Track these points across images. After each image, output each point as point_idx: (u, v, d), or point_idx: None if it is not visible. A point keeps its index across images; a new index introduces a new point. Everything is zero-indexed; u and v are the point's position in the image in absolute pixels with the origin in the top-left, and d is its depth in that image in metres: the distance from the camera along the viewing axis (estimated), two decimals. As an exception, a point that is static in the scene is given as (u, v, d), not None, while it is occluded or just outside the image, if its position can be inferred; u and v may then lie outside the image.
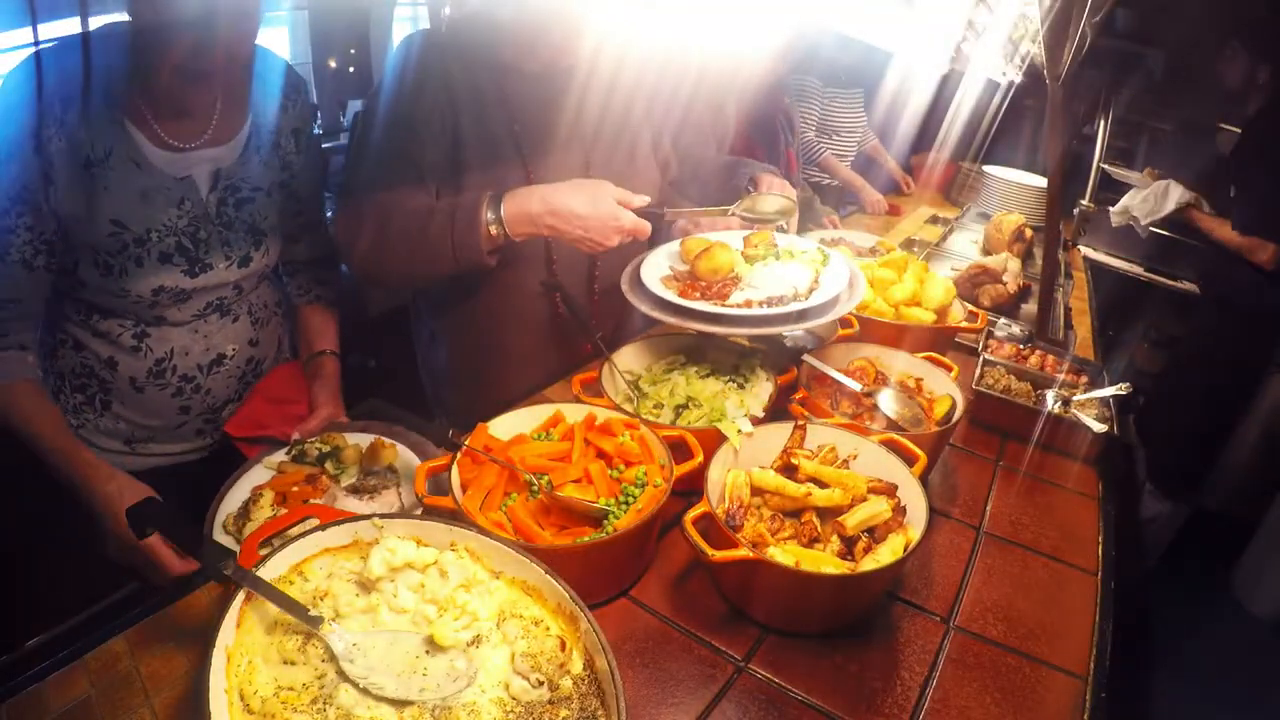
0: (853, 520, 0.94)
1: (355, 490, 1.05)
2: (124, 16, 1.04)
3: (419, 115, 1.22)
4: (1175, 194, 2.74)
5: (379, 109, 1.25)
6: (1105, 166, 2.95)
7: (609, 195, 1.18)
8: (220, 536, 0.96)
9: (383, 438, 1.13)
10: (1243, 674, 2.32)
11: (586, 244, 1.20)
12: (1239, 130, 2.70)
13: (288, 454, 1.12)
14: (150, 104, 1.11)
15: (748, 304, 1.22)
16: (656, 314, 1.21)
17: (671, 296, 1.22)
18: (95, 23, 1.06)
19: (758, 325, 1.19)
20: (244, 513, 0.98)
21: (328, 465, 1.10)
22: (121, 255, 1.12)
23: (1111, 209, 3.00)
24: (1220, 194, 2.67)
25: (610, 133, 1.38)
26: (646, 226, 1.21)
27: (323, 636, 0.70)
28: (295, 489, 1.03)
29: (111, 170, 1.09)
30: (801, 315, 1.19)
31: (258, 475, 1.08)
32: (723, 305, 1.21)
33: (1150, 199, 2.79)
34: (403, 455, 1.12)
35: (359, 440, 1.14)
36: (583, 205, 1.16)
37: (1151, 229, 2.88)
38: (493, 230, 1.17)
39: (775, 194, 1.43)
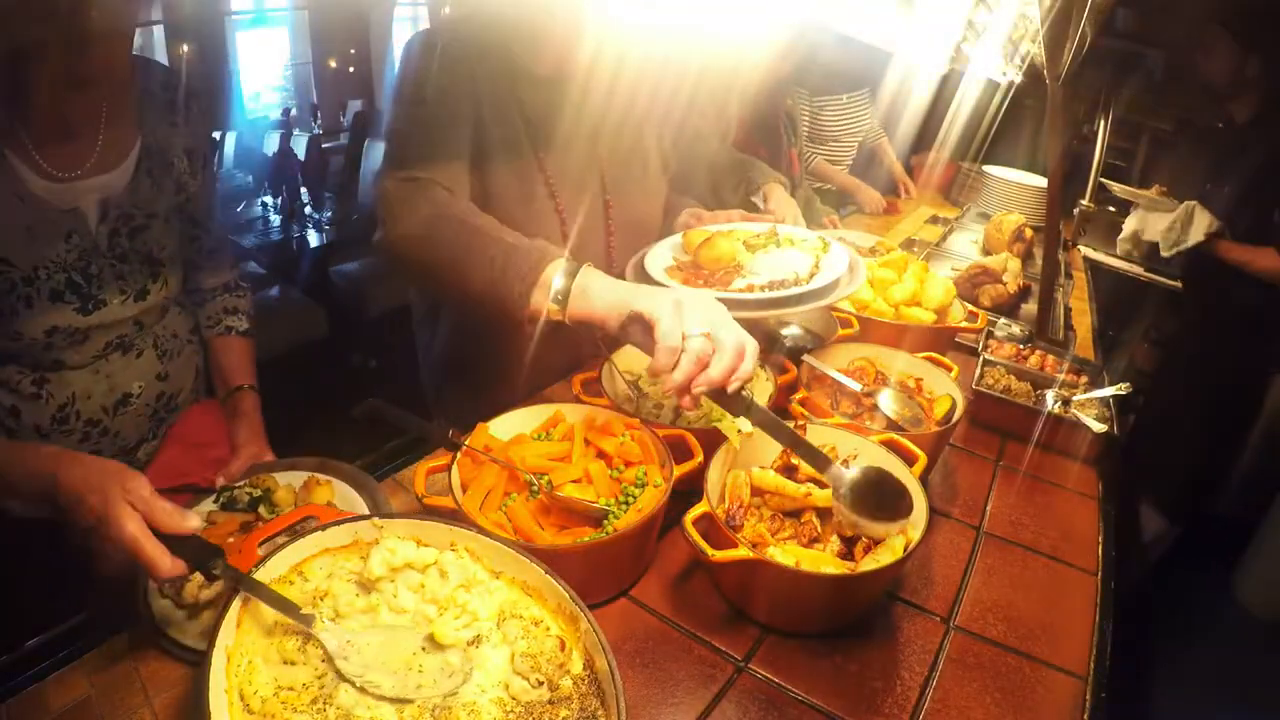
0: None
1: (295, 534, 0.94)
2: None
3: (453, 96, 1.20)
4: (1202, 222, 2.46)
5: (405, 110, 1.20)
6: (1104, 181, 2.77)
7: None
8: (156, 600, 0.86)
9: (316, 475, 1.06)
10: (1243, 674, 2.32)
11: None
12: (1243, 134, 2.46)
13: (216, 502, 1.04)
14: (29, 131, 1.04)
15: (750, 288, 1.22)
16: None
17: (675, 284, 1.22)
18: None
19: (761, 308, 1.19)
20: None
21: (261, 510, 1.01)
22: (10, 295, 1.06)
23: (1119, 235, 2.82)
24: (1219, 197, 2.60)
25: (621, 133, 1.39)
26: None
27: (316, 635, 0.70)
28: (230, 540, 0.94)
29: None
30: (802, 298, 1.19)
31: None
32: (726, 290, 1.22)
33: (1175, 228, 2.52)
34: (339, 491, 1.05)
35: (291, 480, 1.06)
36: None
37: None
38: (552, 308, 0.99)
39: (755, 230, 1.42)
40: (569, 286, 0.99)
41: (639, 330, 0.95)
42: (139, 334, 1.23)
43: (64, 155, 1.08)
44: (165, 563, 0.73)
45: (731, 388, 0.92)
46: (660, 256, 1.35)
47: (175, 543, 0.73)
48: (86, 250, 1.12)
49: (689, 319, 0.91)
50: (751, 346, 0.93)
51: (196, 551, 0.73)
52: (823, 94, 3.08)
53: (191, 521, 0.76)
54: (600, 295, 0.98)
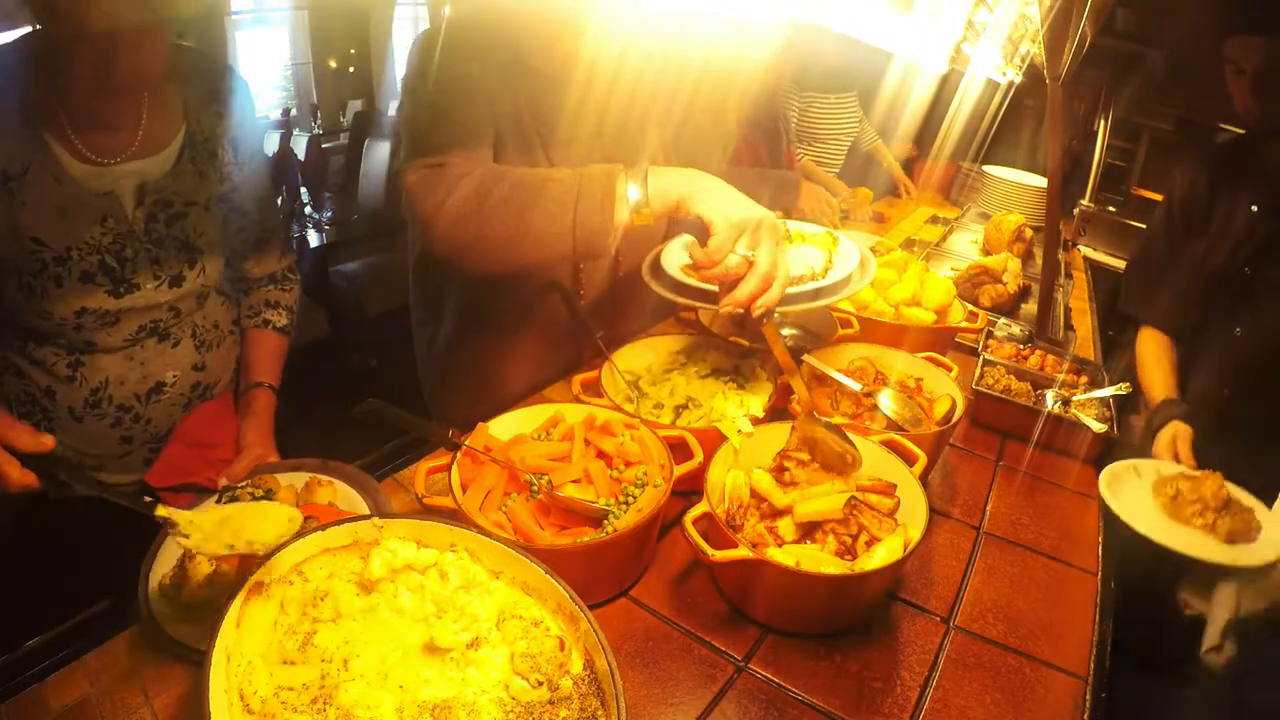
0: (803, 509, 0.95)
1: (295, 534, 0.93)
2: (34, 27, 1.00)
3: (469, 86, 1.19)
4: None
5: (430, 79, 1.18)
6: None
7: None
8: (156, 600, 0.86)
9: (318, 476, 1.06)
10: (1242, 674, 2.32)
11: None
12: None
13: (218, 502, 1.03)
14: (69, 116, 1.05)
15: None
16: (681, 299, 1.22)
17: (694, 281, 1.23)
18: (10, 35, 1.02)
19: (783, 304, 1.19)
20: (180, 571, 0.88)
21: None
22: (41, 275, 1.07)
23: (1204, 647, 1.25)
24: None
25: (626, 129, 1.40)
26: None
27: (160, 517, 0.74)
28: None
29: (30, 186, 1.04)
30: (818, 293, 1.20)
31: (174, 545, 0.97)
32: None
33: None
34: (341, 492, 1.06)
35: (293, 481, 1.06)
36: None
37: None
38: (644, 212, 1.02)
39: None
40: (646, 194, 1.02)
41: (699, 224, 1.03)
42: (175, 321, 1.23)
43: (104, 141, 1.09)
44: (14, 470, 0.82)
45: (755, 313, 1.01)
46: (675, 254, 1.35)
47: (27, 460, 0.80)
48: (122, 234, 1.12)
49: (741, 241, 1.00)
50: (781, 276, 1.02)
51: (45, 465, 0.80)
52: (810, 90, 3.05)
53: (47, 440, 0.84)
54: (676, 188, 1.03)
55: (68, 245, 1.08)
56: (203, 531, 0.74)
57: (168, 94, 1.15)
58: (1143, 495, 1.31)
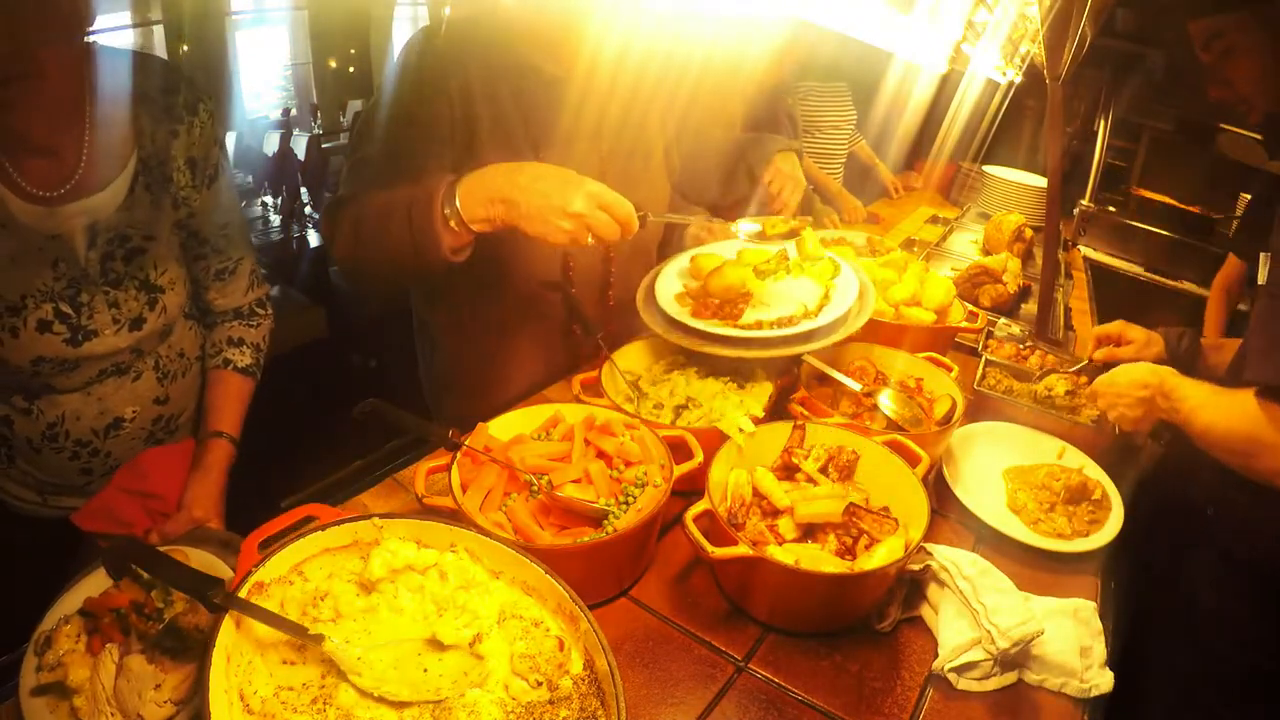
0: (803, 510, 0.95)
1: (162, 647, 0.77)
2: None
3: (428, 112, 1.20)
4: None
5: (384, 105, 1.20)
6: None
7: (580, 186, 1.04)
8: (28, 658, 0.78)
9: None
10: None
11: (535, 226, 1.04)
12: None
13: None
14: (4, 150, 0.98)
15: (759, 324, 1.22)
16: (673, 336, 1.23)
17: (684, 318, 1.24)
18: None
19: (769, 347, 1.19)
20: (47, 642, 0.79)
21: (154, 594, 0.86)
22: None
23: None
24: (1218, 200, 2.42)
25: (624, 136, 1.39)
26: (606, 224, 1.06)
27: (328, 653, 0.69)
28: (107, 620, 0.81)
29: None
30: (809, 335, 1.20)
31: (90, 586, 0.86)
32: (734, 326, 1.22)
33: None
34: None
35: (210, 560, 0.91)
36: (535, 185, 1.03)
37: (1153, 229, 2.65)
38: (452, 224, 1.05)
39: (782, 218, 1.45)
40: (455, 207, 1.05)
41: None
42: (136, 359, 1.16)
43: (45, 171, 1.01)
44: None
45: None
46: (669, 283, 1.35)
47: (179, 573, 0.71)
48: (76, 278, 1.05)
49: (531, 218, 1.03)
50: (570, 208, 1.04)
51: (196, 581, 0.69)
52: (808, 79, 3.00)
53: None
54: (492, 204, 1.05)
55: (22, 294, 1.01)
56: (374, 670, 0.70)
57: (116, 116, 1.06)
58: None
